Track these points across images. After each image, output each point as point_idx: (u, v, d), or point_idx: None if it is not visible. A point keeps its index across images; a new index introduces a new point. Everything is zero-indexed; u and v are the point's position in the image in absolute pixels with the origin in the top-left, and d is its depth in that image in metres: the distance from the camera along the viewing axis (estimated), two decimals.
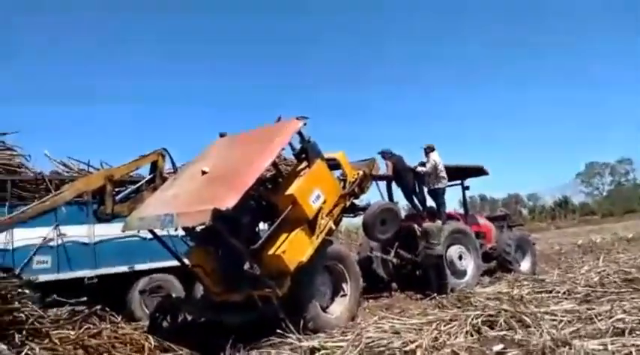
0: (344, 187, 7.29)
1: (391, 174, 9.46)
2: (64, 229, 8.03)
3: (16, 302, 4.57)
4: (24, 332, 4.36)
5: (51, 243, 7.93)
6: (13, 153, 8.77)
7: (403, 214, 9.64)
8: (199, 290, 8.23)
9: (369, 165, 7.97)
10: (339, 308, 6.82)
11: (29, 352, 4.11)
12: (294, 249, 6.12)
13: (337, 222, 7.33)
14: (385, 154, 9.36)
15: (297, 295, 6.16)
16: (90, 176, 6.95)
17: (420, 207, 9.89)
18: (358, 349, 5.03)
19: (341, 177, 7.54)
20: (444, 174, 9.71)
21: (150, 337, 5.50)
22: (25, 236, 7.47)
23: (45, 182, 8.17)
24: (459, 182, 10.94)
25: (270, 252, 6.05)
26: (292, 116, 6.84)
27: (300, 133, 6.77)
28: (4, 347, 3.93)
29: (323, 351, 5.23)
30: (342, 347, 5.26)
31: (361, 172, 7.57)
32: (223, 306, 6.46)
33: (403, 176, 9.61)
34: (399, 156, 9.58)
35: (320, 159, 6.90)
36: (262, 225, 7.44)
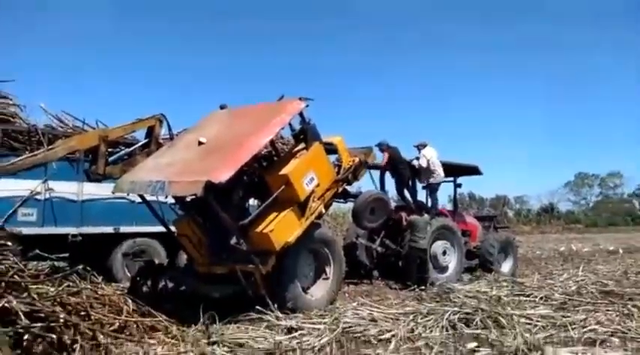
0: (338, 173, 7.28)
1: (386, 165, 9.49)
2: (52, 184, 7.95)
3: None
4: (2, 284, 4.33)
5: (38, 197, 7.86)
6: (8, 101, 8.63)
7: (393, 205, 9.70)
8: (182, 258, 8.26)
9: (365, 153, 7.96)
10: (320, 290, 6.87)
11: (6, 304, 4.09)
12: (282, 228, 6.13)
13: (327, 207, 7.35)
14: (382, 146, 9.39)
15: (280, 274, 6.19)
16: (84, 134, 6.87)
17: (411, 200, 9.94)
18: (335, 333, 5.10)
19: (336, 163, 7.53)
20: (439, 169, 9.77)
21: (129, 300, 5.50)
22: (11, 187, 7.39)
23: (38, 135, 8.05)
24: (451, 179, 11.00)
25: (258, 229, 6.06)
26: (295, 96, 6.78)
27: (301, 114, 6.73)
28: None
29: (300, 331, 5.30)
30: (318, 329, 5.34)
31: (357, 160, 7.57)
32: (206, 278, 6.49)
33: (398, 168, 9.65)
34: (395, 148, 9.61)
35: (318, 143, 6.88)
36: (252, 201, 7.45)
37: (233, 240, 6.42)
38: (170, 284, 7.04)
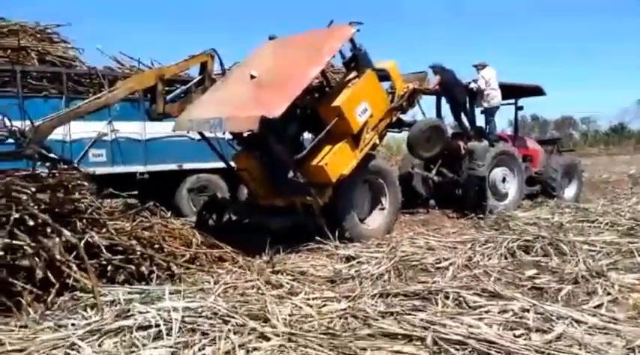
0: (392, 101, 7.12)
1: (438, 89, 9.11)
2: (117, 125, 8.35)
3: (77, 193, 4.92)
4: (84, 221, 4.73)
5: (105, 138, 8.31)
6: (67, 45, 8.91)
7: (450, 132, 9.44)
8: (243, 192, 8.58)
9: (420, 78, 7.69)
10: (376, 220, 6.99)
11: (89, 239, 4.48)
12: (337, 161, 6.18)
13: (382, 137, 7.29)
14: (436, 68, 8.95)
15: (336, 205, 6.33)
16: (142, 74, 7.04)
17: (468, 126, 9.62)
18: (392, 261, 5.22)
19: (390, 90, 7.34)
20: (497, 92, 9.30)
21: (197, 233, 5.83)
22: (80, 129, 7.82)
23: (98, 77, 8.34)
24: (512, 101, 10.50)
25: (314, 162, 6.14)
26: (345, 21, 6.54)
27: (352, 40, 6.52)
28: (69, 233, 4.29)
29: (358, 260, 5.48)
30: (376, 257, 5.48)
31: (411, 86, 7.33)
32: (266, 210, 6.75)
33: (453, 92, 9.24)
34: (450, 71, 9.14)
35: (370, 70, 6.69)
36: (306, 134, 7.50)
37: (290, 173, 6.58)
38: (233, 217, 7.41)
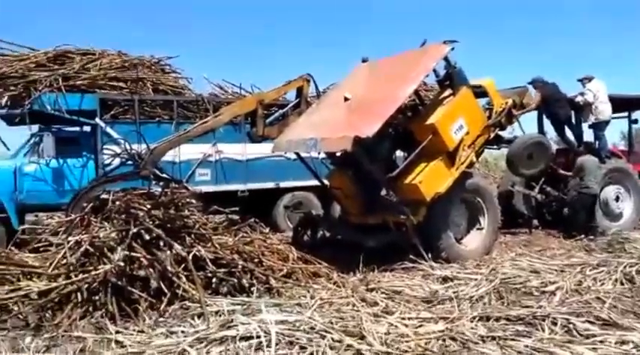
0: (489, 117, 6.89)
1: (539, 105, 8.62)
2: (221, 146, 8.97)
3: (186, 210, 5.34)
4: (192, 236, 5.11)
5: (210, 159, 8.94)
6: (177, 75, 9.77)
7: (554, 148, 8.88)
8: (336, 209, 8.72)
9: (520, 93, 7.37)
10: (474, 240, 6.74)
11: (197, 252, 4.82)
12: (432, 179, 6.08)
13: (479, 154, 7.06)
14: (536, 83, 8.52)
15: (431, 224, 6.20)
16: (244, 100, 7.50)
17: (574, 142, 8.99)
18: (493, 284, 5.00)
19: (487, 106, 7.12)
20: (606, 105, 8.60)
21: (293, 248, 6.02)
22: (189, 151, 8.48)
23: (204, 103, 9.03)
24: (625, 114, 9.66)
25: (407, 180, 6.10)
26: (439, 40, 6.49)
27: (446, 59, 6.44)
28: (179, 247, 4.67)
29: (455, 281, 5.30)
30: (475, 279, 5.27)
31: (510, 101, 7.05)
32: (359, 228, 6.79)
33: (555, 107, 8.70)
34: (552, 84, 8.65)
35: (466, 87, 6.55)
36: (398, 153, 7.47)
37: (383, 192, 6.57)
38: (327, 234, 7.55)
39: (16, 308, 4.22)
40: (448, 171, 6.24)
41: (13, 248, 5.43)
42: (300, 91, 7.31)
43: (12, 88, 7.94)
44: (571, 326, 3.75)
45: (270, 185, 9.45)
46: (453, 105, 6.42)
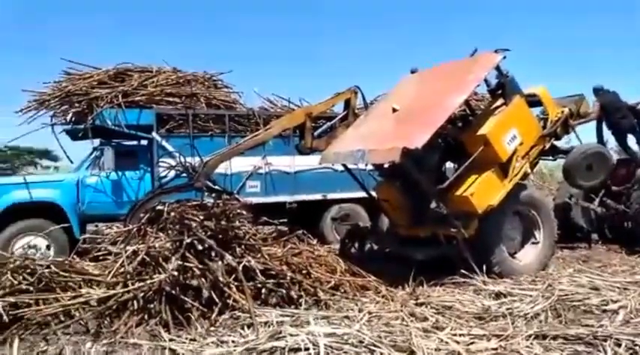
0: (544, 127, 6.66)
1: (600, 115, 8.25)
2: (270, 159, 9.13)
3: (237, 221, 5.45)
4: (242, 246, 5.21)
5: (260, 171, 9.12)
6: (229, 90, 10.05)
7: (615, 158, 8.45)
8: (384, 221, 8.64)
9: (576, 102, 7.09)
10: (529, 255, 6.49)
11: (246, 263, 4.91)
12: (484, 191, 5.94)
13: (533, 166, 6.83)
14: (596, 91, 8.16)
15: (483, 238, 6.03)
16: (292, 113, 7.61)
17: (638, 152, 8.52)
18: (549, 301, 4.79)
19: (541, 116, 6.89)
20: None
21: (340, 260, 6.01)
22: (239, 164, 8.68)
23: (255, 117, 9.23)
24: None
25: (458, 192, 5.98)
26: (490, 49, 6.37)
27: (497, 68, 6.30)
28: (230, 257, 4.77)
29: (509, 297, 5.12)
30: (530, 295, 5.07)
31: (566, 110, 6.79)
32: (408, 240, 6.70)
33: (616, 116, 8.29)
34: (612, 93, 8.28)
35: (519, 96, 6.38)
36: (448, 164, 7.34)
37: (432, 204, 6.46)
38: (375, 247, 7.49)
39: (77, 314, 4.43)
40: (501, 183, 6.07)
41: (75, 256, 5.72)
42: (347, 103, 7.34)
43: (76, 104, 8.44)
44: (637, 348, 3.53)
45: (318, 197, 9.50)
46: (506, 115, 6.26)
